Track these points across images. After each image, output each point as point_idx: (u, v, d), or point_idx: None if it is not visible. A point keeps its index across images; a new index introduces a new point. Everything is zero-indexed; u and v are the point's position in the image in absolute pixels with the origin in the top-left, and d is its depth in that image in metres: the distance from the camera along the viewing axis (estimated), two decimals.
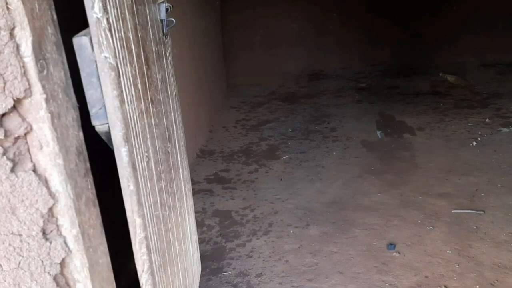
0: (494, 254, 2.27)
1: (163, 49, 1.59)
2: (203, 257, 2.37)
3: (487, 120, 3.90)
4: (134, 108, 1.17)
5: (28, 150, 0.87)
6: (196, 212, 2.60)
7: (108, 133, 1.08)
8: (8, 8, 0.78)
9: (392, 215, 2.69)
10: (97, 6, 0.97)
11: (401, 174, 3.16)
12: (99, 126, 1.07)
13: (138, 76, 1.22)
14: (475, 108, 4.17)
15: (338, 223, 2.65)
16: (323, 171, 3.30)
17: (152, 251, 1.25)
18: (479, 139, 3.55)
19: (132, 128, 1.14)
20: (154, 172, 1.33)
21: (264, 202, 2.95)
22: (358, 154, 3.52)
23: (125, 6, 1.15)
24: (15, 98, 0.82)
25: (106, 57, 1.01)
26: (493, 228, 2.48)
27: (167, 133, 1.56)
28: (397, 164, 3.31)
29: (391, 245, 2.39)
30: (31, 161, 0.87)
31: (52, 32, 0.87)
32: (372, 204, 2.83)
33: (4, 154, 0.83)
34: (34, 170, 0.87)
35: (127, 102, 1.11)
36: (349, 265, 2.29)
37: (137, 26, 1.25)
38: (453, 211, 2.67)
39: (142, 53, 1.29)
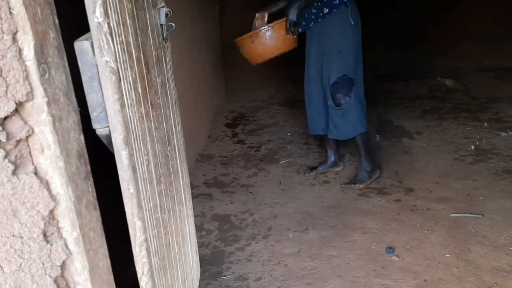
0: (492, 257, 2.28)
1: (162, 54, 1.60)
2: (202, 261, 2.38)
3: (485, 124, 3.92)
4: (134, 112, 1.18)
5: (30, 153, 0.87)
6: (195, 216, 2.60)
7: (108, 136, 1.09)
8: (11, 13, 0.79)
9: (391, 219, 2.69)
10: (99, 11, 0.98)
11: (400, 178, 3.16)
12: (99, 129, 1.08)
13: (138, 80, 1.23)
14: (473, 113, 4.18)
15: (337, 227, 2.65)
16: (321, 176, 3.31)
17: (152, 254, 1.26)
18: (477, 143, 3.56)
19: (132, 131, 1.15)
20: (154, 175, 1.34)
21: (263, 206, 2.95)
22: (357, 158, 3.53)
23: (126, 11, 1.16)
24: (17, 102, 0.82)
25: (107, 61, 1.02)
26: (491, 232, 2.48)
27: (166, 137, 1.57)
28: (395, 168, 3.32)
29: (390, 249, 2.39)
30: (33, 163, 0.88)
31: (53, 37, 0.88)
32: (371, 208, 2.84)
33: (6, 157, 0.84)
34: (36, 173, 0.88)
35: (128, 105, 1.12)
36: (348, 269, 2.29)
37: (137, 30, 1.26)
38: (451, 215, 2.68)
39: (142, 57, 1.30)
